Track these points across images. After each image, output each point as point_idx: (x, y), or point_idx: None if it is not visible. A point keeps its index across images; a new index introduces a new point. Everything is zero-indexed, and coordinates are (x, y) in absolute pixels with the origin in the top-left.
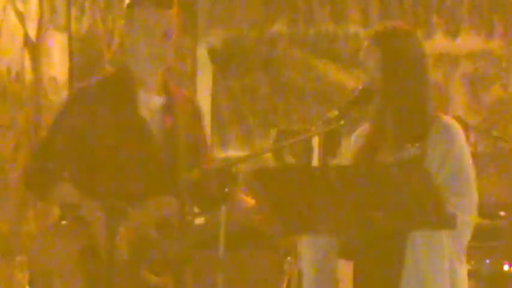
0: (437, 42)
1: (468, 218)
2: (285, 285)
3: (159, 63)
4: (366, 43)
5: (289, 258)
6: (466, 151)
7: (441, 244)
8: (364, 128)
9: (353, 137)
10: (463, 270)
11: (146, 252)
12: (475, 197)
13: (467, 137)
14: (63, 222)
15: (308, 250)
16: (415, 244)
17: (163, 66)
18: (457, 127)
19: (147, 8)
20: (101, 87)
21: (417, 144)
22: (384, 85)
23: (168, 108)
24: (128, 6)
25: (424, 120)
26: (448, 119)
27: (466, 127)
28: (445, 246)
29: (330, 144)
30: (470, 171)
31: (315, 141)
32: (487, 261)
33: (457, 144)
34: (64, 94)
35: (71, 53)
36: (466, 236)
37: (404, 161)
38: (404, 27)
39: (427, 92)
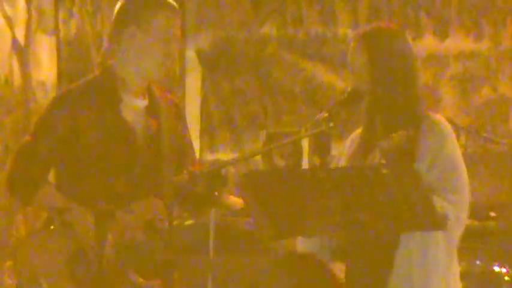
0: (426, 43)
1: (462, 215)
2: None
3: (167, 69)
4: (352, 44)
5: None
6: (457, 149)
7: (437, 245)
8: (358, 131)
9: (348, 141)
10: (455, 268)
11: (133, 255)
12: (468, 194)
13: (457, 138)
14: (51, 227)
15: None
16: (409, 244)
17: (167, 72)
18: (448, 125)
19: (166, 13)
20: (84, 90)
21: (402, 132)
22: (372, 86)
23: (151, 111)
24: (140, 10)
25: (414, 120)
26: (438, 117)
27: (455, 128)
28: (440, 247)
29: (320, 146)
30: (463, 169)
31: (305, 143)
32: (477, 262)
33: (449, 142)
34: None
35: (59, 57)
36: (458, 233)
37: (389, 148)
38: (390, 27)
39: (416, 91)
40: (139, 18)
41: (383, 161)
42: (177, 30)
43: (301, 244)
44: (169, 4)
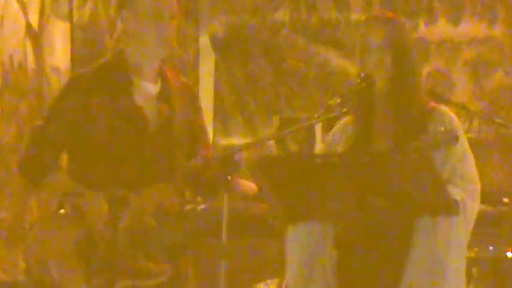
0: (440, 29)
1: (475, 205)
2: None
3: (167, 47)
4: (367, 25)
5: None
6: (465, 139)
7: (459, 229)
8: (343, 123)
9: (337, 130)
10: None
11: (144, 240)
12: (478, 184)
13: (470, 124)
14: (61, 211)
15: (296, 238)
16: (428, 229)
17: (168, 50)
18: (454, 116)
19: None
20: (96, 75)
21: (443, 129)
22: (393, 63)
23: (163, 95)
24: None
25: (422, 102)
26: (445, 109)
27: (468, 113)
28: (461, 231)
29: None
30: (472, 159)
31: (318, 128)
32: (490, 247)
33: (460, 133)
34: None
35: (73, 42)
36: (472, 223)
37: (436, 143)
38: (395, 15)
39: (421, 77)
40: (126, 0)
41: (415, 154)
42: (170, 6)
43: (304, 230)
44: None
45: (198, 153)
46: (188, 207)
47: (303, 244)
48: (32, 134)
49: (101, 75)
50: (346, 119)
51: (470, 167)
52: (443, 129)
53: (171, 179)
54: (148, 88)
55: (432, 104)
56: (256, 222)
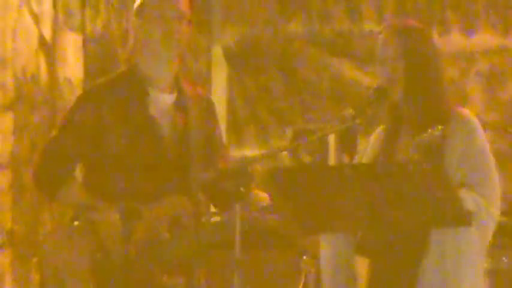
0: (453, 40)
1: (493, 210)
2: (301, 284)
3: (174, 47)
4: (382, 36)
5: (305, 256)
6: (487, 143)
7: (471, 239)
8: (381, 129)
9: (372, 138)
10: (483, 264)
11: (158, 252)
12: (498, 189)
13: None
14: (75, 223)
15: (327, 247)
16: (442, 239)
17: (178, 51)
18: (475, 119)
19: None
20: (111, 86)
21: (439, 127)
22: (406, 74)
23: (179, 106)
24: (138, 1)
25: (442, 111)
26: (466, 112)
27: (482, 125)
28: (474, 241)
29: (346, 143)
30: (492, 163)
31: (331, 139)
32: (504, 258)
33: (478, 136)
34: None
35: (85, 54)
36: (491, 228)
37: (425, 144)
38: (418, 23)
39: (444, 83)
40: (136, 8)
41: (416, 157)
42: (175, 6)
43: (325, 238)
44: None
45: (215, 165)
46: (203, 219)
47: (331, 255)
48: (46, 145)
49: (115, 86)
50: (379, 129)
51: (488, 172)
52: (432, 129)
53: (187, 190)
54: (163, 99)
55: (454, 107)
56: (270, 234)
